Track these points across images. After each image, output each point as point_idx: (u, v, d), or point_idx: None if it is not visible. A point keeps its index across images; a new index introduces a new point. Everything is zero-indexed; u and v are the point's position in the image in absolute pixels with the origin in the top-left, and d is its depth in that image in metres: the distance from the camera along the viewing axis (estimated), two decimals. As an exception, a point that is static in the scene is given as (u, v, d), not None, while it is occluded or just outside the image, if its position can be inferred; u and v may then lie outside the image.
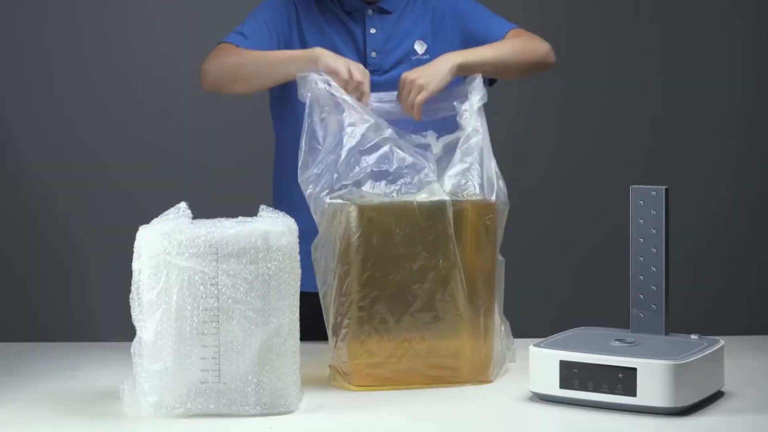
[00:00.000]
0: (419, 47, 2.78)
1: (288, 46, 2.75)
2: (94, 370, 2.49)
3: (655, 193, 2.25)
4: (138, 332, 2.17)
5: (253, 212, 2.27)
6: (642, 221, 2.26)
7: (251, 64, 2.66)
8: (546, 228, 4.65)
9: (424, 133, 2.49)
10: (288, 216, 2.22)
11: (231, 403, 2.14)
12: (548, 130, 4.66)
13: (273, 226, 2.17)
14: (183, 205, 2.20)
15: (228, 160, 4.51)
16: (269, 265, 2.15)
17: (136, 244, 2.17)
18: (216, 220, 2.22)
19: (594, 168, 4.66)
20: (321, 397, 2.25)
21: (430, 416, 2.15)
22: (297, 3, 2.78)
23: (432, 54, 2.77)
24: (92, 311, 4.52)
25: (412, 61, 2.77)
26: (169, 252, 2.13)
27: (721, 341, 2.24)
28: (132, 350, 2.18)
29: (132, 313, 2.17)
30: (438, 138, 2.50)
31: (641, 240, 2.26)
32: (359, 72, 2.52)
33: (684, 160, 4.64)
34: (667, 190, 2.25)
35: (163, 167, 4.54)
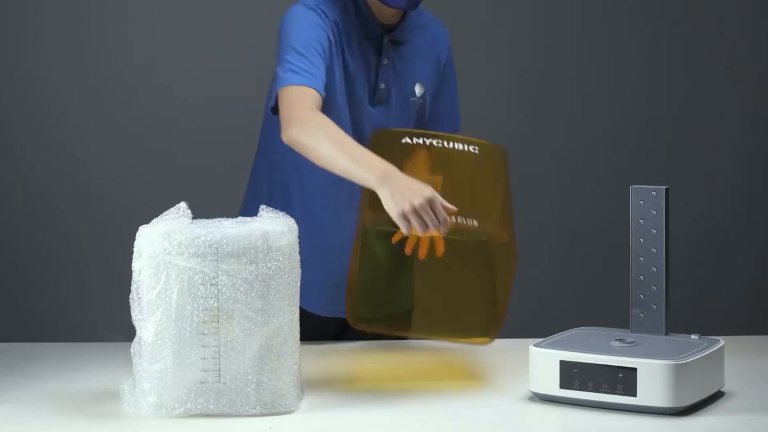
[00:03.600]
0: (418, 89, 2.73)
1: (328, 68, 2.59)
2: (94, 370, 2.49)
3: (655, 193, 2.25)
4: (138, 332, 2.17)
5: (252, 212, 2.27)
6: (642, 221, 2.26)
7: (319, 156, 2.40)
8: (546, 228, 4.65)
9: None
10: (288, 216, 2.22)
11: (231, 403, 2.15)
12: (548, 130, 4.65)
13: (273, 226, 2.17)
14: (183, 205, 2.20)
15: (228, 160, 4.50)
16: (269, 265, 2.15)
17: (136, 244, 2.17)
18: (216, 220, 2.21)
19: (594, 168, 4.65)
20: (321, 397, 2.25)
21: (429, 416, 2.15)
22: (336, 23, 2.62)
23: (426, 98, 2.75)
24: (92, 311, 4.51)
25: (409, 102, 2.73)
26: (169, 252, 2.13)
27: (721, 341, 2.24)
28: (132, 350, 2.18)
29: (132, 313, 2.17)
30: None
31: (641, 240, 2.26)
32: (433, 224, 2.20)
33: (684, 160, 4.64)
34: (667, 190, 2.25)
35: (164, 167, 4.54)
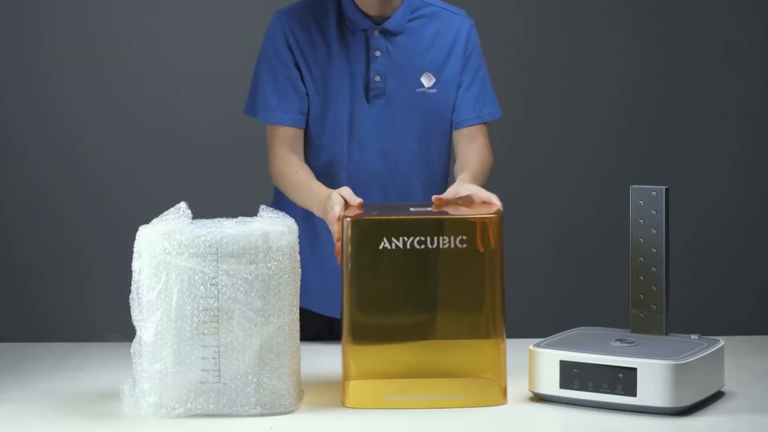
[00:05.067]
0: (426, 80, 2.72)
1: (304, 78, 2.69)
2: (94, 370, 2.49)
3: (655, 193, 2.25)
4: (138, 332, 2.17)
5: (253, 212, 2.27)
6: (642, 221, 2.26)
7: (287, 189, 2.67)
8: (546, 228, 4.65)
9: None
10: (288, 216, 2.22)
11: (231, 403, 2.14)
12: (548, 130, 4.65)
13: (273, 226, 2.17)
14: (183, 205, 2.20)
15: (228, 160, 4.51)
16: (269, 265, 2.15)
17: (136, 244, 2.17)
18: (216, 220, 2.21)
19: (594, 168, 4.65)
20: (321, 397, 2.25)
21: (429, 415, 2.15)
22: (295, 31, 2.69)
23: (440, 89, 2.73)
24: (92, 311, 4.51)
25: (417, 94, 2.72)
26: (169, 252, 2.13)
27: (721, 341, 2.24)
28: (132, 350, 2.18)
29: (132, 313, 2.17)
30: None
31: (641, 240, 2.26)
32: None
33: (684, 160, 4.64)
34: (667, 190, 2.25)
35: (163, 167, 4.54)
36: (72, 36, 4.54)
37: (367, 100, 2.69)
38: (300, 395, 2.20)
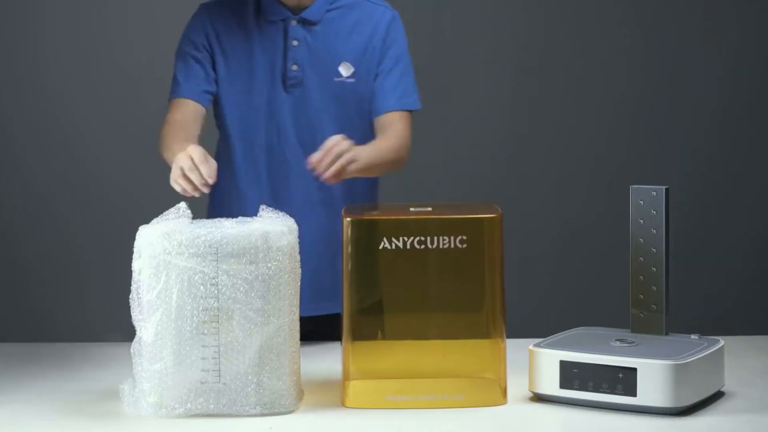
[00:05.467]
0: (344, 70, 2.73)
1: (216, 64, 2.76)
2: (94, 370, 2.49)
3: (655, 193, 2.25)
4: (138, 332, 2.17)
5: (253, 212, 2.27)
6: (642, 221, 2.26)
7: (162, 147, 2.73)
8: (546, 227, 4.65)
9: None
10: (288, 216, 2.22)
11: (231, 403, 2.14)
12: (548, 129, 4.65)
13: (273, 226, 2.17)
14: (183, 205, 2.20)
15: (228, 160, 4.51)
16: (269, 265, 2.15)
17: (136, 244, 2.17)
18: (216, 220, 2.22)
19: (594, 168, 4.65)
20: (321, 397, 2.25)
21: (429, 415, 2.15)
22: (214, 20, 2.76)
23: (358, 78, 2.74)
24: (92, 311, 4.51)
25: (334, 83, 2.73)
26: (169, 252, 2.13)
27: (721, 341, 2.24)
28: (132, 350, 2.18)
29: (132, 313, 2.17)
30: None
31: (641, 240, 2.26)
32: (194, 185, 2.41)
33: (684, 160, 4.64)
34: (667, 190, 2.25)
35: (163, 167, 4.52)
36: (72, 36, 4.54)
37: (285, 89, 2.72)
38: (300, 395, 2.20)
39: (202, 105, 2.76)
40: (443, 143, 4.58)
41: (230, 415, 2.14)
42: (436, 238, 2.18)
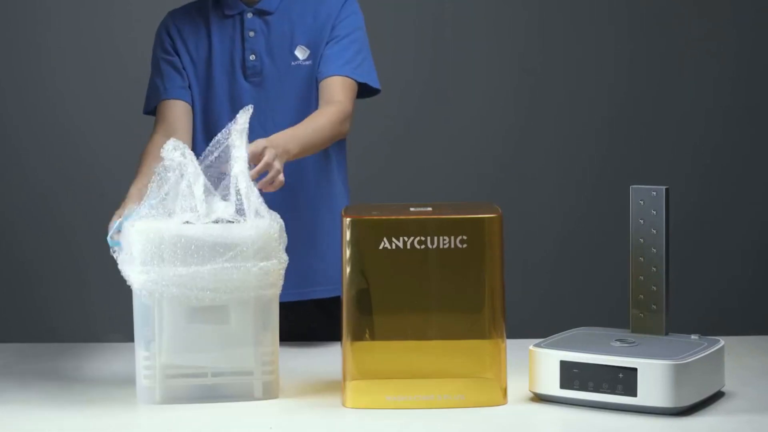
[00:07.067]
0: (301, 53, 2.76)
1: (183, 62, 2.81)
2: (94, 370, 2.49)
3: (655, 193, 2.25)
4: (135, 323, 2.18)
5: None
6: (642, 221, 2.26)
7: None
8: (546, 228, 4.65)
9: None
10: (276, 214, 2.25)
11: (229, 398, 2.18)
12: (548, 129, 4.65)
13: (266, 224, 2.20)
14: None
15: (228, 160, 4.50)
16: (261, 264, 2.17)
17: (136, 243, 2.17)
18: (213, 219, 2.23)
19: (594, 168, 4.65)
20: (321, 397, 2.25)
21: (429, 416, 2.15)
22: (178, 21, 2.82)
23: (314, 60, 2.76)
24: (92, 311, 4.51)
25: (292, 67, 2.76)
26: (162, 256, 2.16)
27: (721, 341, 2.24)
28: (135, 342, 2.20)
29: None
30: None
31: (641, 240, 2.26)
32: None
33: (684, 160, 4.64)
34: (667, 190, 2.25)
35: (163, 167, 4.54)
36: (72, 36, 4.54)
37: (245, 79, 2.76)
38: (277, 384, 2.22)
39: (186, 102, 2.81)
40: (443, 143, 4.58)
41: (230, 414, 2.14)
42: (436, 238, 2.18)
